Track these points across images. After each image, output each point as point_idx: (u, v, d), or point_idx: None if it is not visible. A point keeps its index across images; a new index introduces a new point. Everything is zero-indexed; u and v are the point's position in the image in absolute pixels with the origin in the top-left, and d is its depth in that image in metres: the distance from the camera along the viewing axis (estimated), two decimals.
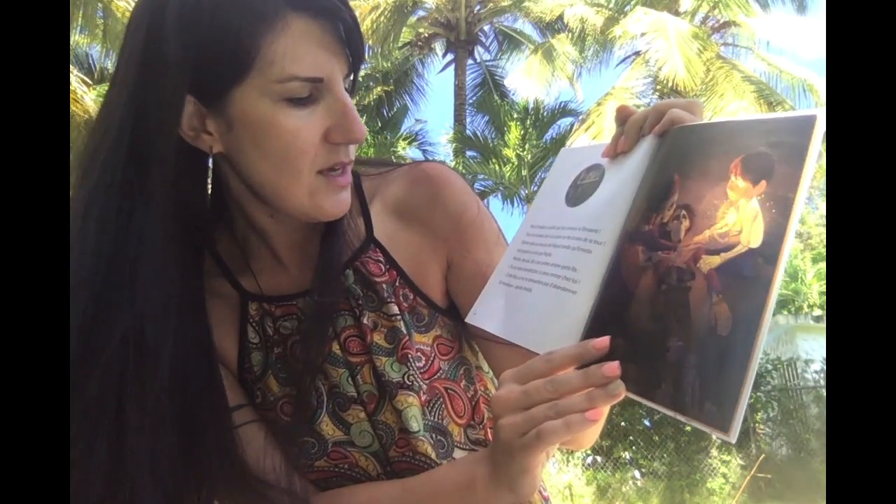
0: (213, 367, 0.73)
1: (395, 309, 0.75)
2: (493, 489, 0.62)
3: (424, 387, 0.74)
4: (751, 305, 0.47)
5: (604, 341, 0.54)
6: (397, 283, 0.76)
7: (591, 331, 0.57)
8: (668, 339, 0.51)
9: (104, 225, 0.65)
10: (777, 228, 0.48)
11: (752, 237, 0.49)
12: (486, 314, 0.69)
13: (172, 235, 0.67)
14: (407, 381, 0.73)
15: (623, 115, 0.67)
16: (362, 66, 0.69)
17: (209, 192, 0.76)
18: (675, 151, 0.60)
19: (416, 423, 0.72)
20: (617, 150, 0.66)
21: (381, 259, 0.76)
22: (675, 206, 0.56)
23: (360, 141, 0.67)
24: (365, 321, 0.74)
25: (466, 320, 0.71)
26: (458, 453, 0.75)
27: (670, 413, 0.49)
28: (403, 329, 0.74)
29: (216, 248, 0.79)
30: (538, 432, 0.54)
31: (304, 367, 0.74)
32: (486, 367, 0.81)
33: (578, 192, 0.68)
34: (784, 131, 0.51)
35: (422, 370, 0.74)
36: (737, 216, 0.51)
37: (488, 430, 0.78)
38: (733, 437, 0.45)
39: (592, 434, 0.72)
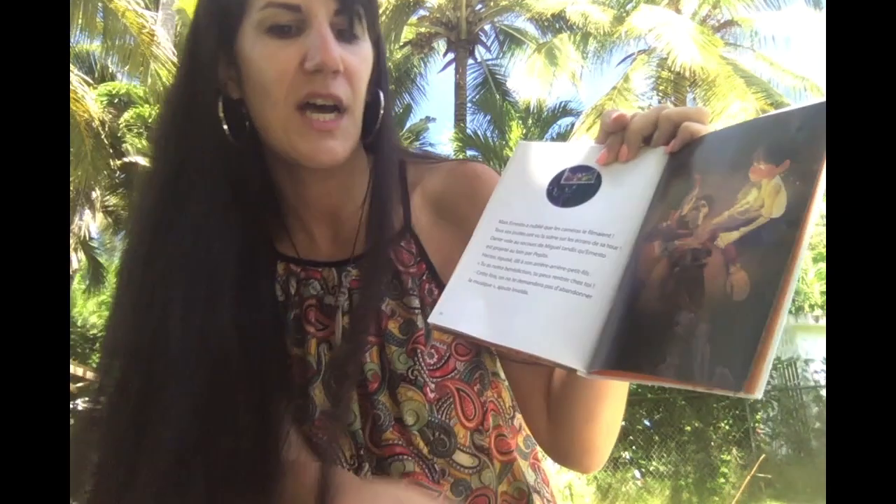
0: (282, 347, 0.77)
1: (416, 302, 0.74)
2: None
3: (431, 384, 0.73)
4: (771, 268, 0.46)
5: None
6: (424, 277, 0.76)
7: (608, 333, 0.55)
8: (678, 314, 0.50)
9: (159, 203, 0.71)
10: (801, 196, 0.48)
11: (775, 208, 0.49)
12: (458, 315, 0.65)
13: (226, 204, 0.71)
14: (411, 376, 0.73)
15: (620, 124, 0.65)
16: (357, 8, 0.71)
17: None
18: (694, 158, 0.60)
19: (411, 417, 0.72)
20: (619, 160, 0.65)
21: (414, 250, 0.77)
22: (696, 199, 0.56)
23: (330, 68, 0.67)
24: (384, 307, 0.75)
25: (430, 320, 0.67)
26: (459, 455, 0.74)
27: (675, 384, 0.49)
28: (419, 323, 0.74)
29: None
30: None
31: (352, 339, 0.74)
32: (502, 374, 0.80)
33: (568, 193, 0.66)
34: (801, 117, 0.53)
35: (432, 367, 0.73)
36: (758, 194, 0.51)
37: (493, 438, 0.77)
38: (758, 393, 0.43)
39: (602, 456, 0.75)
